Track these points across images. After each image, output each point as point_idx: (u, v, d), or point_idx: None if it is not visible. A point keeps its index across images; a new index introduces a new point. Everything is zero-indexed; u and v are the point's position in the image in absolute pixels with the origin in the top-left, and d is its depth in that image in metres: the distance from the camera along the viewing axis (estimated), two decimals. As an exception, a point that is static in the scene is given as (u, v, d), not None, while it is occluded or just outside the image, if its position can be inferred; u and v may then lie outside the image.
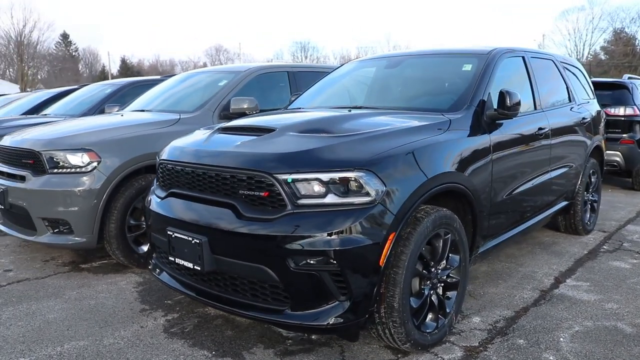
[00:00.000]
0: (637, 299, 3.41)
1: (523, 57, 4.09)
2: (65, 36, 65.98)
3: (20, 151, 4.02)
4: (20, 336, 2.92)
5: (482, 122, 3.19)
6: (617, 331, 2.94)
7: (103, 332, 2.96)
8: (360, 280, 2.33)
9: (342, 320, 2.33)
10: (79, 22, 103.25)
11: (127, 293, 3.57)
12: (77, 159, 3.80)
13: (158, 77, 8.02)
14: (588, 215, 5.04)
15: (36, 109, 7.74)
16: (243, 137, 2.79)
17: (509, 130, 3.39)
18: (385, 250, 2.36)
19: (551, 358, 2.63)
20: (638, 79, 8.31)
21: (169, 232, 2.73)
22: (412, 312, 2.56)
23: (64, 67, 62.26)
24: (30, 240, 4.01)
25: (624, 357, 2.65)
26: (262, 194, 2.41)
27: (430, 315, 2.71)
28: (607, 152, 6.10)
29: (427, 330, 2.66)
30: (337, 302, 2.34)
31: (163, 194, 2.94)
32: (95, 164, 3.79)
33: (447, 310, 2.80)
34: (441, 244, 2.72)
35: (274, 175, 2.37)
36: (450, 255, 2.82)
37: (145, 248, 4.00)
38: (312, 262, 2.30)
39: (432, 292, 2.71)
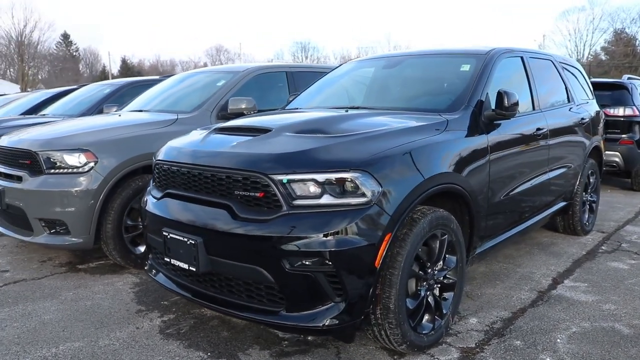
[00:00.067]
0: (635, 299, 3.40)
1: (522, 58, 4.08)
2: (65, 36, 65.98)
3: (17, 151, 4.01)
4: (16, 337, 2.91)
5: (480, 123, 3.18)
6: (615, 332, 2.92)
7: (99, 333, 2.95)
8: (356, 281, 2.32)
9: (337, 322, 2.32)
10: (80, 22, 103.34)
11: (123, 294, 3.56)
12: (74, 159, 3.79)
13: (157, 77, 8.01)
14: (587, 216, 5.03)
15: (35, 109, 7.74)
16: (239, 137, 2.78)
17: (507, 130, 3.38)
18: (381, 251, 2.35)
19: (548, 359, 2.62)
20: (637, 79, 8.30)
21: (164, 233, 2.72)
22: (409, 313, 2.55)
23: (65, 67, 62.26)
24: (27, 241, 4.00)
25: (621, 359, 2.64)
26: (257, 194, 2.40)
27: (426, 317, 2.70)
28: (607, 152, 6.10)
29: (424, 332, 2.65)
30: (332, 304, 2.33)
31: (159, 195, 2.93)
32: (92, 164, 3.78)
33: (444, 312, 2.79)
34: (438, 245, 2.71)
35: (269, 175, 2.36)
36: (447, 256, 2.81)
37: (142, 249, 3.99)
38: (307, 263, 2.29)
39: (428, 293, 2.70)
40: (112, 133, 4.01)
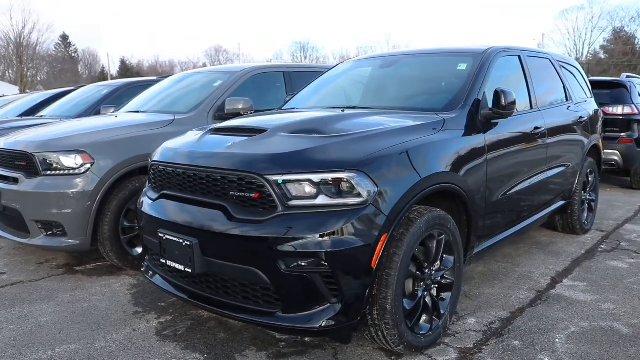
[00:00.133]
0: (634, 299, 3.38)
1: (519, 56, 4.06)
2: (64, 37, 65.93)
3: (14, 153, 4.00)
4: (12, 340, 2.90)
5: (477, 122, 3.17)
6: (614, 332, 2.91)
7: (95, 335, 2.94)
8: (352, 282, 2.31)
9: (333, 323, 2.30)
10: (79, 23, 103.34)
11: (120, 295, 3.54)
12: (70, 161, 3.77)
13: (154, 77, 7.99)
14: (585, 215, 5.01)
15: (33, 111, 7.72)
16: (234, 138, 2.77)
17: (504, 129, 3.37)
18: (377, 252, 2.34)
19: (546, 359, 2.61)
20: (636, 77, 8.29)
21: (160, 234, 2.70)
22: (406, 313, 2.53)
23: (64, 68, 62.23)
24: (24, 243, 3.98)
25: (620, 358, 2.62)
26: (252, 195, 2.39)
27: (424, 317, 2.68)
28: (606, 151, 6.09)
29: (421, 332, 2.64)
30: (328, 305, 2.32)
31: (155, 196, 2.91)
32: (88, 165, 3.77)
33: (442, 312, 2.77)
34: (435, 245, 2.70)
35: (265, 176, 2.35)
36: (444, 256, 2.79)
37: (139, 250, 3.97)
38: (303, 264, 2.27)
39: (426, 293, 2.68)
40: (109, 134, 4.00)
